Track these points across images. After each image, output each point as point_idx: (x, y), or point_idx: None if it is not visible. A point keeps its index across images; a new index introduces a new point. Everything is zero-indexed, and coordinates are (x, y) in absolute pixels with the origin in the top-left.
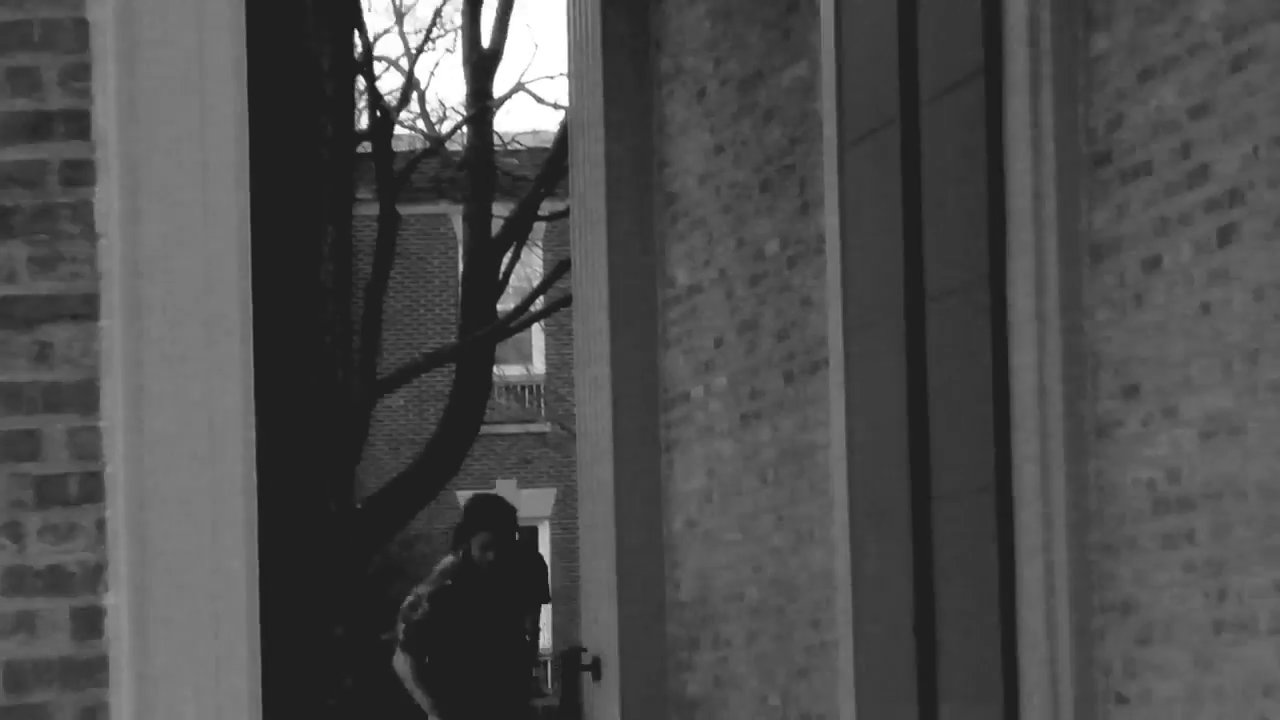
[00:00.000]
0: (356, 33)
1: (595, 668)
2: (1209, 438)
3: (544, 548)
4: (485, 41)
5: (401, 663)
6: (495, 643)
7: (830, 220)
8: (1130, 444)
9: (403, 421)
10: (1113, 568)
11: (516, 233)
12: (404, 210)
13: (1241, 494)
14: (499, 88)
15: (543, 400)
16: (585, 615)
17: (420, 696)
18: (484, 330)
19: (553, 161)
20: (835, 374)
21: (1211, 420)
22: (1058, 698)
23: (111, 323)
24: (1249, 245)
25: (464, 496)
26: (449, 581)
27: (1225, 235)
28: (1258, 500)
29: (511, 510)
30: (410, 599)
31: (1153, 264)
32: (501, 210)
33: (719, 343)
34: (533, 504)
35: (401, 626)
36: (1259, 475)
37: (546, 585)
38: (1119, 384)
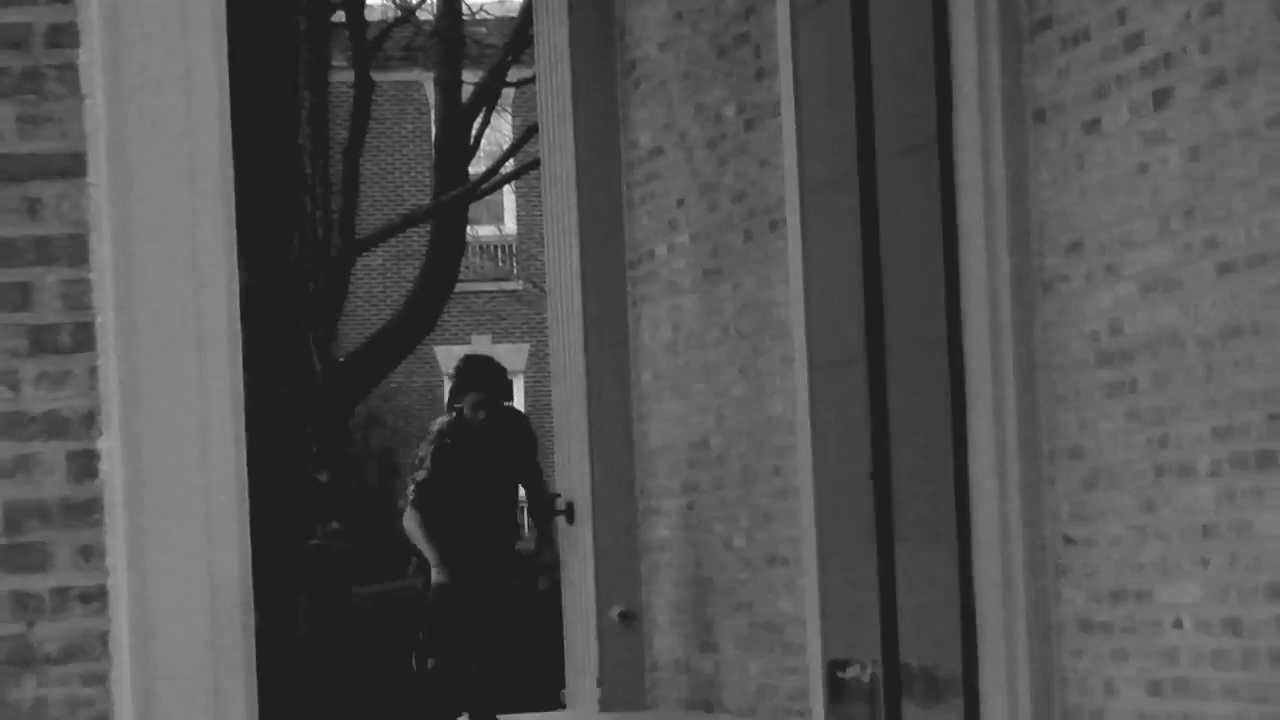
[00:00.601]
0: None
1: (569, 512)
2: (1148, 292)
3: (518, 401)
4: None
5: (410, 519)
6: (488, 494)
7: (785, 85)
8: (1074, 298)
9: (381, 280)
10: (1059, 416)
11: (486, 99)
12: (378, 77)
13: (1180, 345)
14: None
15: (515, 259)
16: (559, 463)
17: (428, 550)
18: (457, 192)
19: (519, 30)
20: (793, 232)
21: (1150, 275)
22: (1008, 540)
23: (98, 179)
24: (1183, 108)
25: (441, 352)
26: (447, 440)
27: (1161, 98)
28: (1195, 351)
29: (500, 370)
30: (416, 460)
31: (1092, 126)
32: (471, 77)
33: (681, 203)
34: (506, 359)
35: (411, 487)
36: (1196, 327)
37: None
38: (1063, 241)
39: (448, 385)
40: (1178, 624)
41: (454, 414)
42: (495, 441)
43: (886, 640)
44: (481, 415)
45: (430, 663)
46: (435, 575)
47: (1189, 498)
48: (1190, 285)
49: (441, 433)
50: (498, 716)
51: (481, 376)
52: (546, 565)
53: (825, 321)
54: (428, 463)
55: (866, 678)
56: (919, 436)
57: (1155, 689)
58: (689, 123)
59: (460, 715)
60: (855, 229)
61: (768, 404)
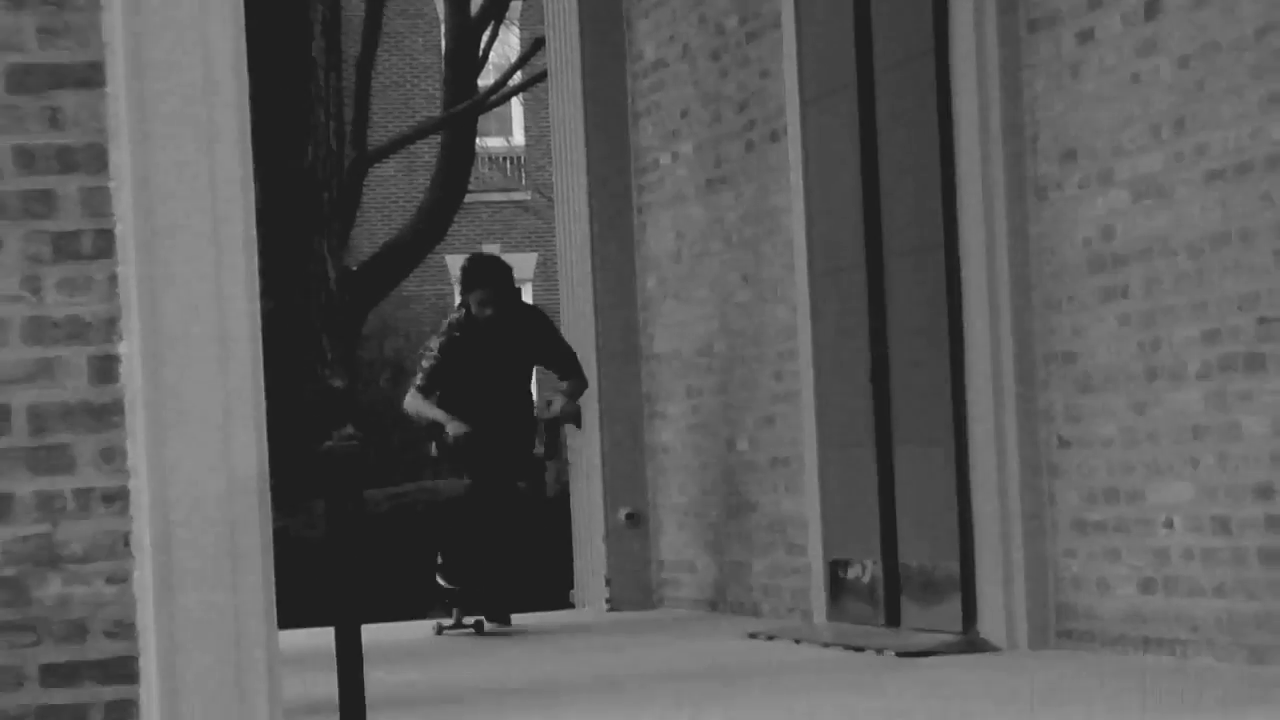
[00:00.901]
0: None
1: (577, 417)
2: (1140, 199)
3: None
4: None
5: (413, 399)
6: (498, 390)
7: None
8: (1067, 205)
9: (393, 190)
10: (1053, 321)
11: (494, 12)
12: None
13: (1171, 252)
14: None
15: (523, 169)
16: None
17: (430, 410)
18: (466, 104)
19: None
20: (793, 142)
21: (1142, 182)
22: (1003, 442)
23: (116, 89)
24: (1174, 18)
25: (452, 261)
26: (456, 334)
27: (1152, 8)
28: (1185, 257)
29: (506, 268)
30: (423, 350)
31: (1086, 36)
32: None
33: (685, 113)
34: (515, 267)
35: (418, 375)
36: (1186, 234)
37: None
38: (1057, 149)
39: (458, 294)
40: (1168, 523)
41: (463, 311)
42: (505, 338)
43: (885, 540)
44: (488, 312)
45: (449, 584)
46: (453, 429)
47: (1179, 400)
48: (1180, 192)
49: (452, 325)
50: (511, 617)
51: (487, 274)
52: (567, 416)
53: (825, 229)
54: (435, 352)
55: (866, 577)
56: (916, 341)
57: (1147, 586)
58: (692, 34)
59: (477, 616)
60: (854, 138)
61: (770, 310)
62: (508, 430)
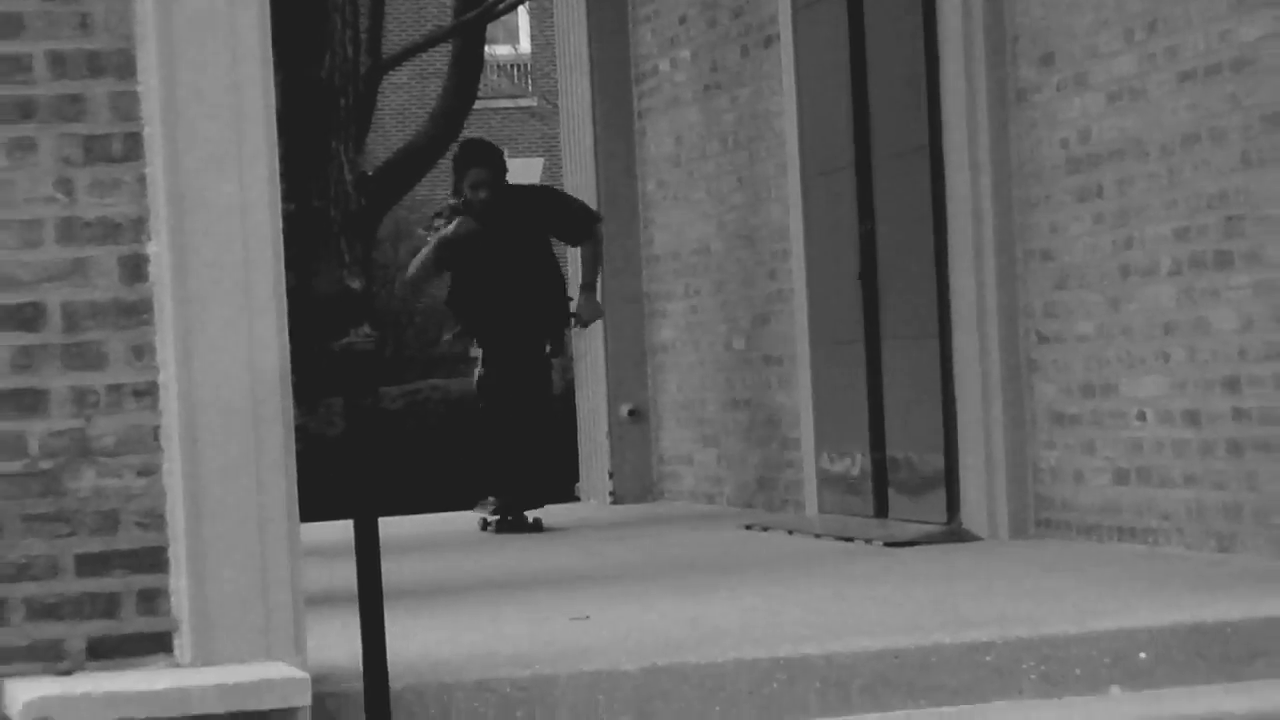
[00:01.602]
0: None
1: (579, 317)
2: (1114, 100)
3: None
4: None
5: (400, 282)
6: (512, 274)
7: None
8: (1046, 107)
9: (406, 96)
10: (1032, 219)
11: None
12: None
13: (1144, 152)
14: None
15: (529, 76)
16: (572, 271)
17: (424, 251)
18: (475, 13)
19: None
20: (786, 48)
21: (1116, 84)
22: (985, 336)
23: None
24: None
25: None
26: (449, 224)
27: None
28: (1157, 157)
29: (497, 149)
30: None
31: None
32: None
33: (683, 20)
34: (523, 172)
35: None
36: (1157, 134)
37: (583, 232)
38: (1036, 53)
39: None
40: (1141, 416)
41: (459, 200)
42: (505, 218)
43: (874, 433)
44: (482, 195)
45: (491, 519)
46: (453, 227)
47: (1151, 296)
48: (1153, 94)
49: (443, 212)
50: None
51: (479, 154)
52: (583, 318)
53: (817, 132)
54: (431, 243)
55: (856, 469)
56: (903, 239)
57: (1121, 477)
58: None
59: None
60: (844, 44)
61: (764, 210)
62: (533, 312)
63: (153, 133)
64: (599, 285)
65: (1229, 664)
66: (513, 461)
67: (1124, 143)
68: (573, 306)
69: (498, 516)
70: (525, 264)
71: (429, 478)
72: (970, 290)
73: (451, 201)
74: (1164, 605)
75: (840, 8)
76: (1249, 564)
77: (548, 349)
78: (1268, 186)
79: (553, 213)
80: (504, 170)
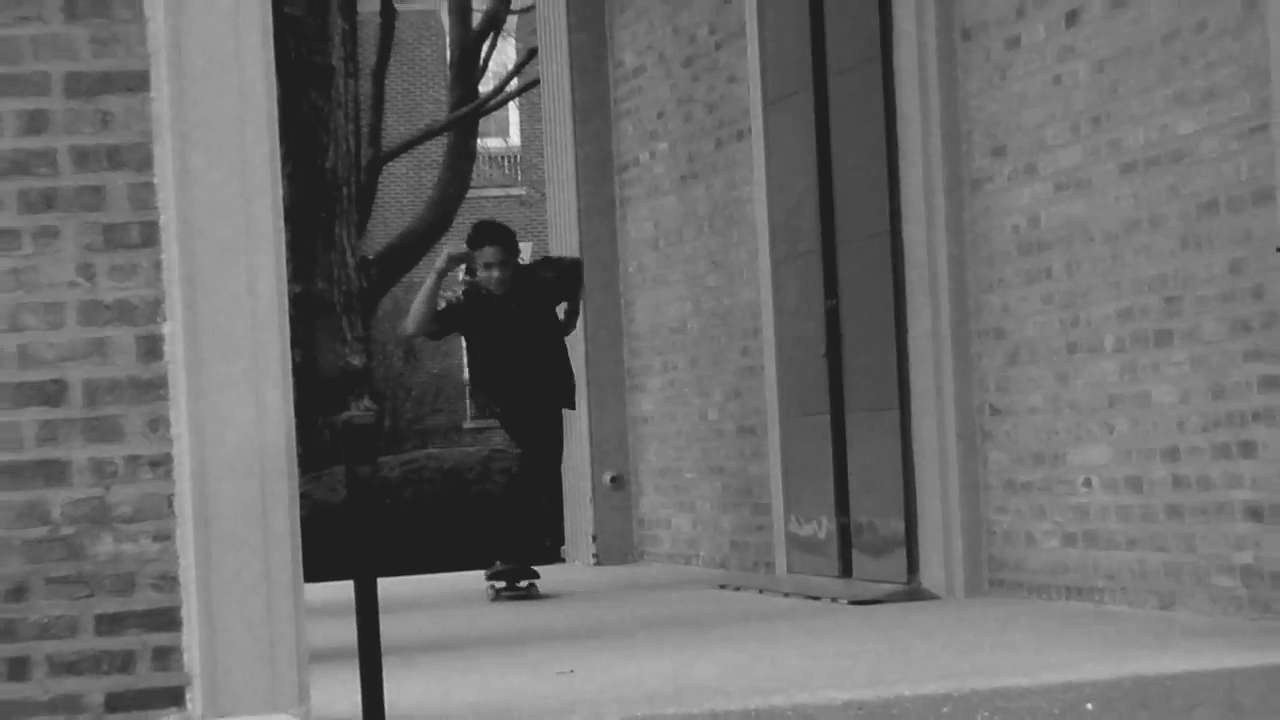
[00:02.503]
0: None
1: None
2: (1062, 189)
3: None
4: None
5: (401, 330)
6: (527, 358)
7: (749, 9)
8: (998, 196)
9: (404, 185)
10: (986, 300)
11: (493, 24)
12: (400, 7)
13: (1089, 237)
14: None
15: (519, 167)
16: None
17: (428, 291)
18: (468, 108)
19: None
20: (757, 140)
21: (1063, 174)
22: (942, 410)
23: (160, 94)
24: (1091, 26)
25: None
26: (466, 294)
27: (1071, 18)
28: (1102, 242)
29: (510, 230)
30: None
31: (1013, 43)
32: (480, 5)
33: (661, 115)
34: None
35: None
36: (1102, 221)
37: (576, 282)
38: (989, 145)
39: (463, 278)
40: (1087, 483)
41: (469, 283)
42: (519, 300)
43: (839, 500)
44: (495, 274)
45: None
46: (444, 258)
47: (1097, 371)
48: (1097, 183)
49: (467, 293)
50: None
51: (494, 232)
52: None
53: (785, 218)
54: (442, 306)
55: (823, 533)
56: (866, 319)
57: (1069, 540)
58: (667, 43)
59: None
60: (810, 136)
61: (737, 291)
62: (550, 377)
63: (168, 221)
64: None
65: (1170, 715)
66: (526, 526)
67: (1071, 229)
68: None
69: (503, 583)
70: (540, 334)
71: (425, 542)
72: (928, 366)
73: (466, 279)
74: (1109, 659)
75: (807, 104)
76: (1188, 621)
77: (562, 410)
78: (1204, 269)
79: (555, 279)
80: (516, 250)
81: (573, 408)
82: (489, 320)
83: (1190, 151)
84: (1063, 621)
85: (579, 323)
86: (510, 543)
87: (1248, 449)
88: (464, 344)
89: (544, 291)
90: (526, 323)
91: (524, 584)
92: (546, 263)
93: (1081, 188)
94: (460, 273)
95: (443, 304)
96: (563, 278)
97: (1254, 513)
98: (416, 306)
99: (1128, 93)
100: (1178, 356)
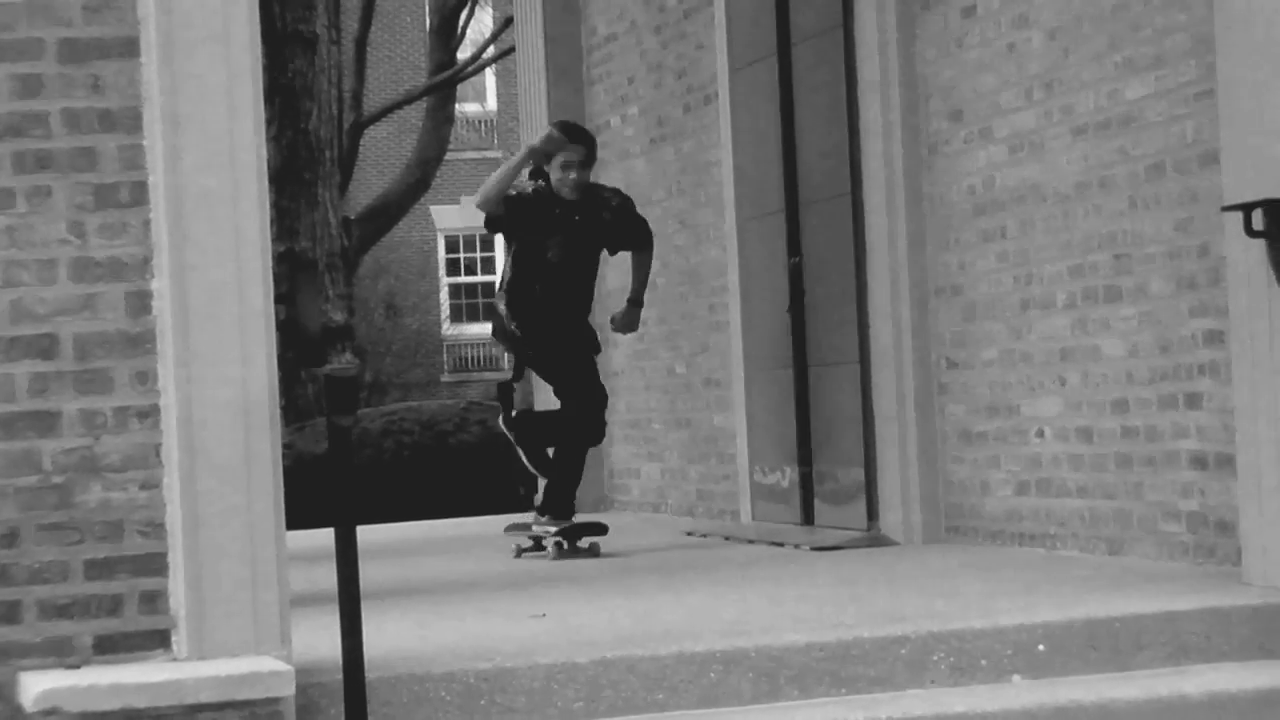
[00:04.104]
0: None
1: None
2: (1016, 152)
3: (498, 252)
4: None
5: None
6: (567, 281)
7: None
8: (954, 159)
9: (385, 150)
10: (943, 258)
11: None
12: None
13: (1042, 198)
14: None
15: (495, 131)
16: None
17: (496, 177)
18: (447, 74)
19: None
20: (723, 105)
21: (1017, 138)
22: (901, 364)
23: (150, 60)
24: None
25: (435, 210)
26: (528, 192)
27: None
28: (1054, 202)
29: (591, 134)
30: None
31: (970, 11)
32: None
33: (632, 80)
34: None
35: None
36: (1054, 183)
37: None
38: (946, 110)
39: (441, 239)
40: (1040, 434)
41: (539, 183)
42: (583, 220)
43: (801, 450)
44: (572, 176)
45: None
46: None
47: (1049, 326)
48: (1050, 146)
49: (537, 189)
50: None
51: (573, 133)
52: (619, 325)
53: (751, 180)
54: (526, 187)
55: (786, 482)
56: (827, 277)
57: (1022, 489)
58: (638, 11)
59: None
60: (775, 101)
61: (704, 251)
62: (579, 335)
63: (156, 181)
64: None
65: (1118, 655)
66: (570, 478)
67: (1024, 190)
68: (617, 314)
69: (559, 540)
70: (584, 266)
71: (405, 491)
72: (887, 322)
73: (536, 182)
74: (1061, 602)
75: (772, 70)
76: (1136, 565)
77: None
78: (1151, 228)
79: (629, 215)
80: (595, 157)
81: (599, 352)
82: (549, 225)
83: (1139, 116)
84: (1016, 566)
85: None
86: (559, 497)
87: (1193, 400)
88: (509, 254)
89: (602, 222)
90: (580, 243)
91: (586, 543)
92: (628, 200)
93: (1034, 151)
94: (525, 175)
95: (514, 192)
96: (637, 225)
97: (1199, 462)
98: (492, 183)
99: (1079, 59)
100: (1126, 312)
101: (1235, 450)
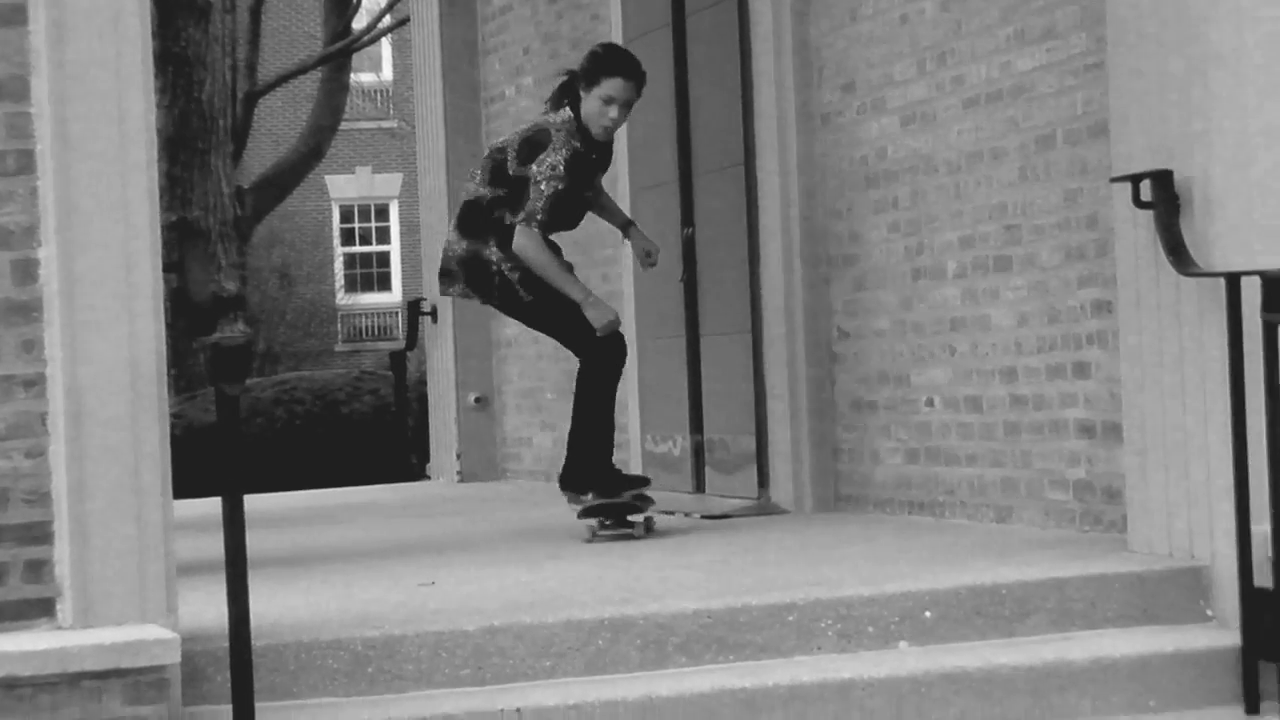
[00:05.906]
0: None
1: (433, 313)
2: (908, 123)
3: (393, 224)
4: None
5: (530, 242)
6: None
7: None
8: (847, 129)
9: (280, 119)
10: (835, 228)
11: None
12: None
13: (933, 169)
14: None
15: (390, 101)
16: (426, 270)
17: (560, 275)
18: (342, 44)
19: None
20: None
21: (909, 109)
22: (793, 333)
23: (37, 27)
24: None
25: (330, 180)
26: (576, 144)
27: None
28: (945, 173)
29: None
30: (537, 172)
31: None
32: None
33: (526, 51)
34: (384, 186)
35: (539, 201)
36: (945, 153)
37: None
38: (839, 81)
39: (336, 209)
40: (930, 403)
41: (571, 118)
42: (600, 160)
43: (693, 418)
44: (612, 114)
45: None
46: (597, 316)
47: (940, 296)
48: (941, 117)
49: (571, 133)
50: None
51: (627, 66)
52: (654, 255)
53: (644, 150)
54: (561, 170)
55: (677, 450)
56: (721, 247)
57: (912, 457)
58: None
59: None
60: (669, 71)
61: (598, 220)
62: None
63: (44, 150)
64: None
65: (1003, 621)
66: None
67: (916, 160)
68: (643, 249)
69: (599, 517)
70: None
71: (296, 460)
72: (779, 291)
73: (564, 123)
74: (947, 570)
75: (666, 40)
76: (1023, 533)
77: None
78: (1041, 199)
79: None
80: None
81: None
82: (591, 174)
83: (1030, 87)
84: (905, 535)
85: None
86: (596, 470)
87: (1081, 370)
88: (534, 200)
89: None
90: (590, 191)
91: (636, 520)
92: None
93: (926, 122)
94: (547, 107)
95: (568, 153)
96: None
97: (1086, 430)
98: (536, 263)
99: (971, 31)
100: (1016, 282)
101: (1121, 419)
